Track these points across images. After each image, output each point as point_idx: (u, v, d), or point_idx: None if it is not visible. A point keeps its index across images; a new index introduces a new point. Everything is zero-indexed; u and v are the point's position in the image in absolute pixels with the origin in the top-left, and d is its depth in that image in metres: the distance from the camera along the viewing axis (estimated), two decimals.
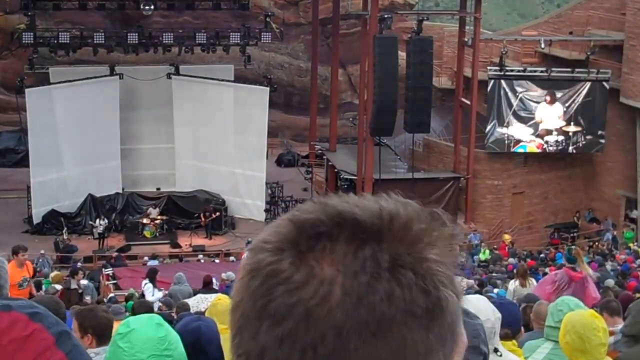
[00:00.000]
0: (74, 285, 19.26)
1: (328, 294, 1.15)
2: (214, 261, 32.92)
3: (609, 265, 26.48)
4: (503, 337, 5.63)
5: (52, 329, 2.42)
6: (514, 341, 5.84)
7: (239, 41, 39.41)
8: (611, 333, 6.54)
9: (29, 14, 37.32)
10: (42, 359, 2.37)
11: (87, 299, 19.53)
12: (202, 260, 32.63)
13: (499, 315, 3.71)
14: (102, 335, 6.24)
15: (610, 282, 19.37)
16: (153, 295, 19.55)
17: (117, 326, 9.50)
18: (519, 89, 40.93)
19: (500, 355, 3.70)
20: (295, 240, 1.19)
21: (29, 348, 2.35)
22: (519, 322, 6.76)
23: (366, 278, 1.15)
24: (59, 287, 18.68)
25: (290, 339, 1.14)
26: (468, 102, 40.83)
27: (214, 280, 20.18)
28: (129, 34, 38.42)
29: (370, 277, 1.15)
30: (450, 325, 1.22)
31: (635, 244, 35.40)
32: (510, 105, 40.93)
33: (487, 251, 34.66)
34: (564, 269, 14.09)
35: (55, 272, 23.15)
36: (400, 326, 1.15)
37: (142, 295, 19.80)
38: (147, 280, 20.58)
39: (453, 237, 1.27)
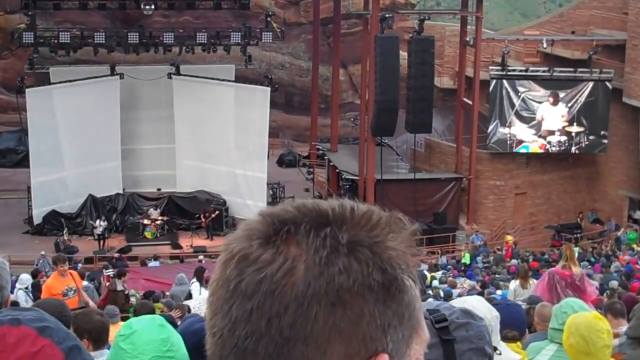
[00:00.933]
0: (120, 287, 19.13)
1: (292, 269, 1.26)
2: (215, 262, 32.76)
3: (612, 267, 26.37)
4: (511, 339, 5.56)
5: (62, 345, 2.38)
6: (518, 343, 5.82)
7: (239, 41, 39.39)
8: (616, 335, 6.45)
9: (30, 13, 37.35)
10: None
11: (133, 300, 19.40)
12: (203, 261, 32.52)
13: (496, 313, 3.68)
14: (98, 340, 6.16)
15: (614, 283, 19.28)
16: (200, 294, 19.42)
17: (112, 329, 9.37)
18: (521, 89, 40.87)
19: (500, 354, 3.59)
20: (263, 228, 1.32)
21: None
22: (524, 324, 6.74)
23: (326, 252, 1.26)
24: None
25: (259, 310, 1.25)
26: (470, 102, 40.76)
27: None
28: (129, 34, 38.42)
29: (329, 251, 1.27)
30: (408, 306, 1.32)
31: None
32: (512, 105, 40.87)
33: (468, 255, 34.51)
34: (555, 268, 14.07)
35: None
36: (357, 297, 1.26)
37: (190, 295, 19.67)
38: (194, 279, 20.46)
39: (413, 234, 1.37)
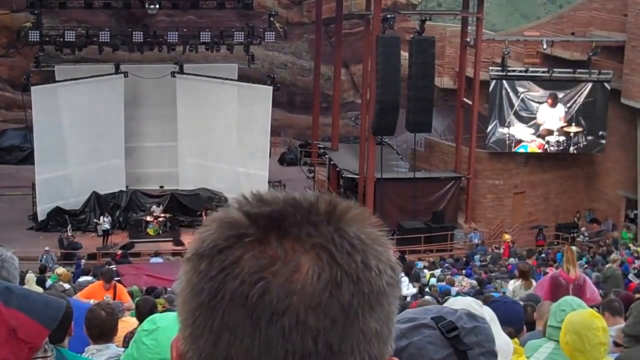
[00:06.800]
0: None
1: (325, 275, 1.20)
2: None
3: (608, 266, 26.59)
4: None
5: None
6: (515, 340, 5.83)
7: (242, 40, 39.59)
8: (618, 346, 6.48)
9: (35, 12, 37.49)
10: (5, 326, 2.45)
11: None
12: None
13: (493, 316, 3.71)
14: (92, 334, 6.39)
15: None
16: (408, 289, 19.58)
17: (121, 325, 9.55)
18: (520, 89, 41.10)
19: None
20: (256, 228, 1.25)
21: None
22: (521, 321, 6.89)
23: (360, 257, 1.22)
24: (67, 285, 18.83)
25: (300, 327, 1.17)
26: (470, 102, 40.99)
27: None
28: (134, 33, 38.62)
29: (363, 255, 1.22)
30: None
31: (635, 244, 35.56)
32: (511, 105, 41.09)
33: None
34: (560, 270, 14.08)
35: (63, 270, 23.34)
36: (387, 297, 1.24)
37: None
38: (403, 274, 20.68)
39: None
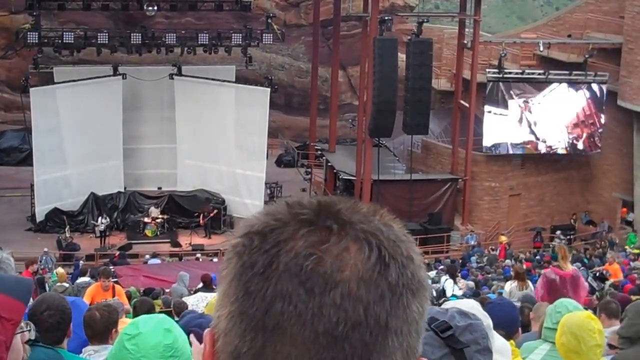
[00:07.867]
0: None
1: (376, 257, 1.29)
2: (212, 260, 33.07)
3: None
4: None
5: None
6: (511, 341, 5.82)
7: (240, 42, 39.70)
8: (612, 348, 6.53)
9: (34, 14, 37.56)
10: None
11: None
12: (201, 259, 32.88)
13: (489, 321, 3.69)
14: (87, 334, 6.44)
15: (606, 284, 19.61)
16: (453, 291, 19.60)
17: (120, 326, 9.61)
18: (516, 91, 41.17)
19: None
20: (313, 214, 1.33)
21: None
22: (516, 323, 6.96)
23: (404, 246, 1.33)
24: (66, 284, 18.95)
25: (352, 297, 1.26)
26: (467, 105, 41.08)
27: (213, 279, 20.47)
28: (132, 35, 38.69)
29: (406, 246, 1.33)
30: None
31: (632, 246, 35.66)
32: (507, 107, 41.12)
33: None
34: (550, 267, 14.13)
35: (61, 270, 23.41)
36: (424, 292, 1.33)
37: (443, 291, 19.82)
38: (447, 276, 20.73)
39: None
